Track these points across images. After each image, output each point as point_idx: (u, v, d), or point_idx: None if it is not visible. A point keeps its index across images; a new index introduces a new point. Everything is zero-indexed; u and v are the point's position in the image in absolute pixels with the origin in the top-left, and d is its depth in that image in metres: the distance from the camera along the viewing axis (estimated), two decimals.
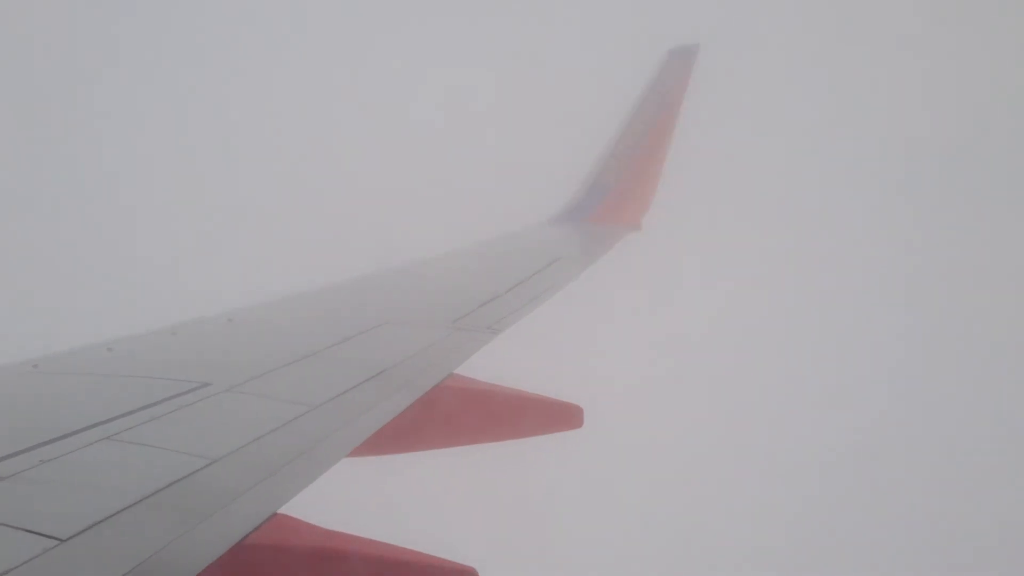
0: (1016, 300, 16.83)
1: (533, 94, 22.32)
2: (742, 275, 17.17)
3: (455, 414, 4.54)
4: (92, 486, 2.90)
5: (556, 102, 20.06)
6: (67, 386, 3.98)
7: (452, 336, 5.27)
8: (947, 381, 15.93)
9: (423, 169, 21.85)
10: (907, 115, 20.04)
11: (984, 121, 19.42)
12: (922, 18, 21.02)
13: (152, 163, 23.24)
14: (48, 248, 19.46)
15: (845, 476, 14.65)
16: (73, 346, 4.46)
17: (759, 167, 19.22)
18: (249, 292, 6.07)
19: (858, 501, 14.46)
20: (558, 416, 4.91)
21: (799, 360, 16.16)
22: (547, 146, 17.53)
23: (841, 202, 18.98)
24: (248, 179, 22.80)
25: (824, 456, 14.66)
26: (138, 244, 20.00)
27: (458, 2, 26.18)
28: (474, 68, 24.75)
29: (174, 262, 18.61)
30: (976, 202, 18.67)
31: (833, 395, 15.93)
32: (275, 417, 3.64)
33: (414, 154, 22.69)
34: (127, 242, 19.98)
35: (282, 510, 2.94)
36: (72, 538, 2.48)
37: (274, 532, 2.85)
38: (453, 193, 19.70)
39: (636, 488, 13.92)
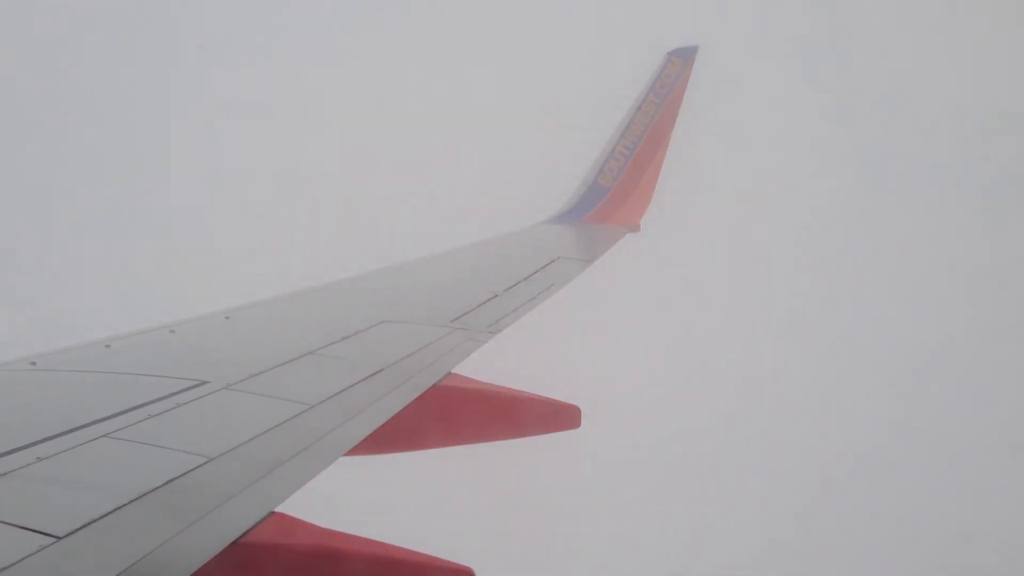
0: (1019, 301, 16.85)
1: (532, 94, 22.32)
2: (741, 276, 17.18)
3: (453, 414, 4.53)
4: (89, 484, 2.90)
5: (555, 102, 20.06)
6: (65, 384, 3.97)
7: (450, 335, 5.27)
8: (947, 382, 15.93)
9: (422, 168, 21.85)
10: (907, 114, 20.06)
11: (984, 121, 19.44)
12: (922, 16, 21.04)
13: (150, 160, 23.21)
14: (46, 246, 19.43)
15: (846, 477, 14.66)
16: (71, 344, 4.45)
17: (758, 168, 19.23)
18: (247, 290, 6.06)
19: (858, 502, 14.46)
20: (556, 416, 4.91)
21: (799, 361, 16.17)
22: (546, 146, 17.54)
23: (841, 202, 19.00)
24: (247, 177, 22.78)
25: (824, 456, 14.67)
26: (136, 242, 19.98)
27: (458, 2, 26.16)
28: (473, 68, 24.75)
29: (172, 259, 18.59)
30: (977, 204, 18.70)
31: (833, 396, 15.94)
32: (273, 415, 3.64)
33: (413, 153, 22.69)
34: (125, 239, 19.96)
35: (279, 508, 2.94)
36: (69, 535, 2.48)
37: (271, 530, 2.85)
38: (452, 192, 19.69)
39: (633, 488, 13.92)
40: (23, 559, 2.32)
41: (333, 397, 3.96)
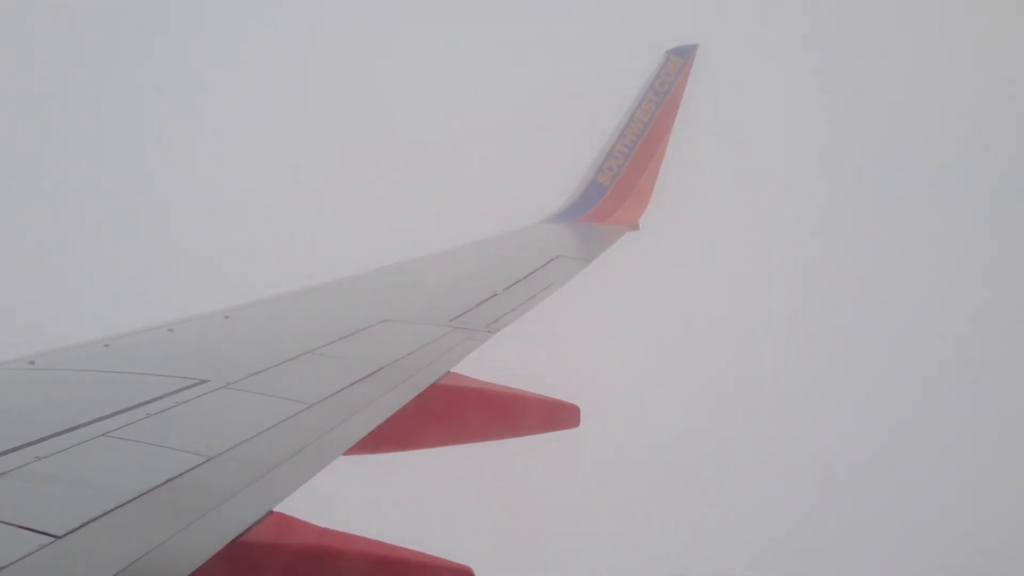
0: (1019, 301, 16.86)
1: (532, 93, 22.31)
2: (740, 275, 17.18)
3: (452, 413, 4.53)
4: (88, 483, 2.89)
5: (554, 101, 20.06)
6: (63, 383, 3.96)
7: (450, 334, 5.27)
8: (947, 381, 15.93)
9: (421, 167, 21.84)
10: (907, 114, 20.06)
11: (985, 122, 19.45)
12: (922, 16, 21.04)
13: (150, 160, 23.21)
14: (45, 245, 19.42)
15: (846, 476, 14.66)
16: (69, 343, 4.44)
17: (757, 167, 19.23)
18: (247, 289, 6.05)
19: (858, 502, 14.47)
20: (555, 415, 4.91)
21: (799, 360, 16.16)
22: (545, 145, 17.53)
23: (840, 201, 19.01)
24: (247, 176, 22.77)
25: (825, 456, 14.67)
26: (135, 241, 19.97)
27: (458, 1, 26.16)
28: (473, 67, 24.75)
29: (172, 258, 18.58)
30: (977, 204, 18.71)
31: (833, 395, 15.94)
32: (272, 414, 3.64)
33: (412, 152, 22.69)
34: (124, 239, 19.95)
35: (278, 508, 2.94)
36: (68, 535, 2.47)
37: (270, 530, 2.85)
38: (451, 192, 19.69)
39: (632, 488, 13.92)
40: (22, 558, 2.32)
41: (332, 396, 3.95)
